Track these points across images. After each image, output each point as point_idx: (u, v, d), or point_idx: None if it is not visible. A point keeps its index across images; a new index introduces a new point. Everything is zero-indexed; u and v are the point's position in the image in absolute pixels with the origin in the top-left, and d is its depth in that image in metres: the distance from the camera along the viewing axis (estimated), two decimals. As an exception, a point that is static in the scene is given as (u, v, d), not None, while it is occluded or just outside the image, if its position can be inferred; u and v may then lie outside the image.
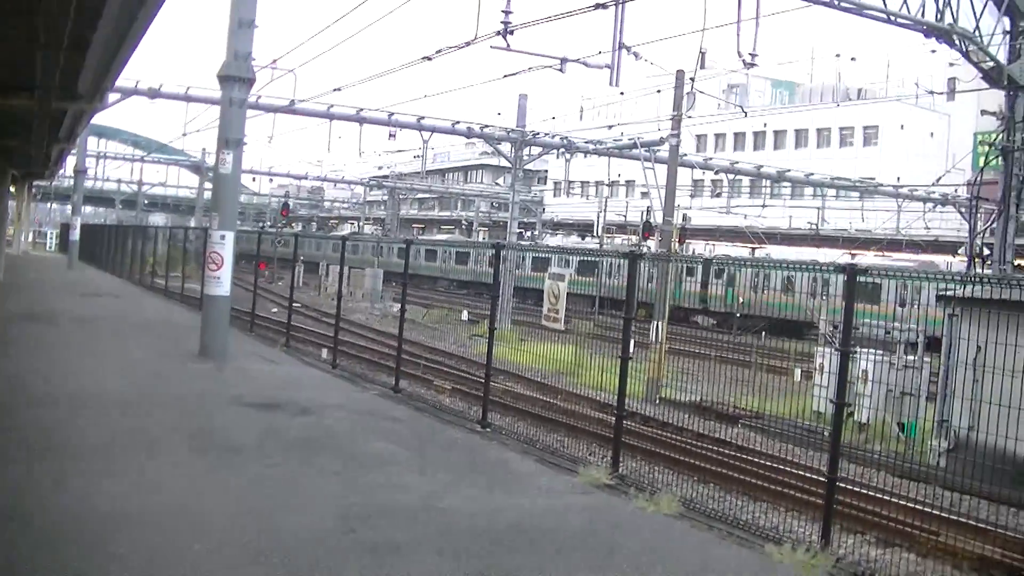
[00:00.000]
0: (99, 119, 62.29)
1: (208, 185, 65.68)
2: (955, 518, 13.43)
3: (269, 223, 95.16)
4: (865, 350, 21.49)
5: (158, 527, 8.96)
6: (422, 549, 9.03)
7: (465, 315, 47.91)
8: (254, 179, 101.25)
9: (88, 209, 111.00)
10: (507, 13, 28.39)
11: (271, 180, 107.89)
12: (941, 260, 51.16)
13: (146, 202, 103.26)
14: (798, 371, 24.32)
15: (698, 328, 42.41)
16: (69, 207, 69.42)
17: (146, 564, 7.98)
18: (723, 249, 64.71)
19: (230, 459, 12.04)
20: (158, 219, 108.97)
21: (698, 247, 63.14)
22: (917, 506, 14.31)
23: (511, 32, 28.58)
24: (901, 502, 14.38)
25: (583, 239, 74.85)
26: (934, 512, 13.96)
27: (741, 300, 50.83)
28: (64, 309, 29.43)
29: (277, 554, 8.51)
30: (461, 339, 37.06)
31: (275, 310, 38.00)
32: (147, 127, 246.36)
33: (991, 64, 24.58)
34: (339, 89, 43.51)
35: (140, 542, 8.47)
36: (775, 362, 24.58)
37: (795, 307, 43.48)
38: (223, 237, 21.18)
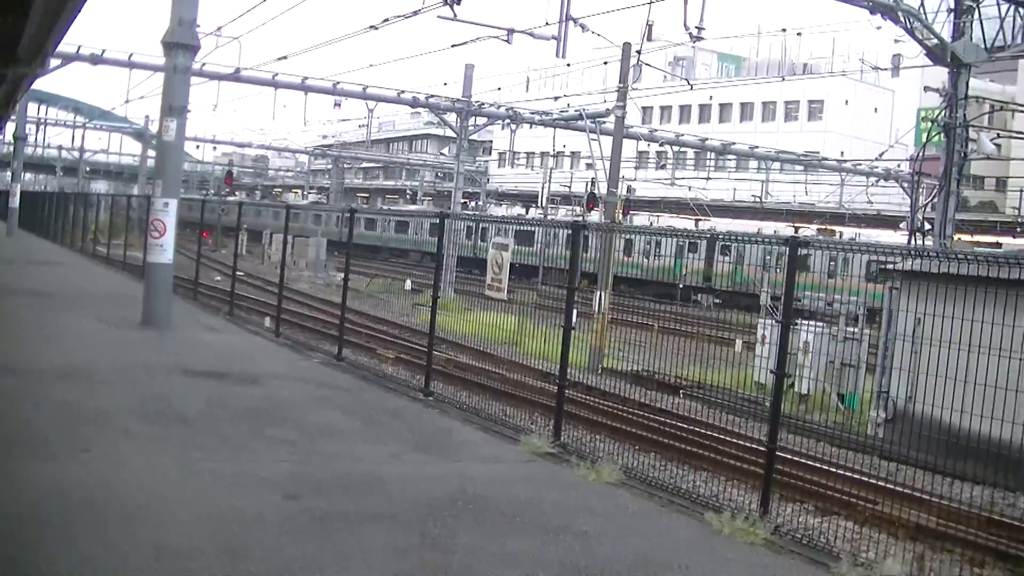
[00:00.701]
0: (40, 84, 61.53)
1: (151, 153, 65.06)
2: (893, 487, 13.58)
3: (213, 191, 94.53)
4: (807, 322, 21.65)
5: (102, 501, 8.85)
6: (367, 518, 9.01)
7: (408, 284, 47.84)
8: (198, 147, 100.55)
9: (28, 176, 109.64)
10: (454, -18, 28.28)
11: (215, 148, 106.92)
12: (881, 233, 51.63)
13: (88, 169, 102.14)
14: (739, 342, 24.46)
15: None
16: (8, 174, 68.66)
17: (90, 541, 7.89)
18: (667, 221, 64.94)
19: (177, 429, 11.93)
20: (100, 186, 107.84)
21: (642, 219, 63.30)
22: (855, 476, 14.48)
23: (458, 2, 28.48)
24: (840, 472, 14.53)
25: (527, 210, 74.80)
26: (872, 481, 14.13)
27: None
28: (1, 279, 29.03)
29: (220, 523, 8.49)
30: (405, 308, 37.01)
31: (219, 279, 37.76)
32: (90, 93, 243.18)
33: (935, 42, 24.73)
34: (284, 58, 43.44)
35: (84, 518, 8.36)
36: (719, 333, 24.71)
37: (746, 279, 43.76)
38: (166, 204, 21.00)
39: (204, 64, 40.23)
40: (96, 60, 43.25)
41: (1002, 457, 11.71)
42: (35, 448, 10.52)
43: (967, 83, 25.43)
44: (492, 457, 12.30)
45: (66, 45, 39.30)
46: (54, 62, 35.78)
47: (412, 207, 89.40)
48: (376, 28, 32.76)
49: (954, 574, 10.23)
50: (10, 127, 59.45)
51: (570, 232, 14.38)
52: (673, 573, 8.49)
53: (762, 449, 11.06)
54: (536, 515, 9.64)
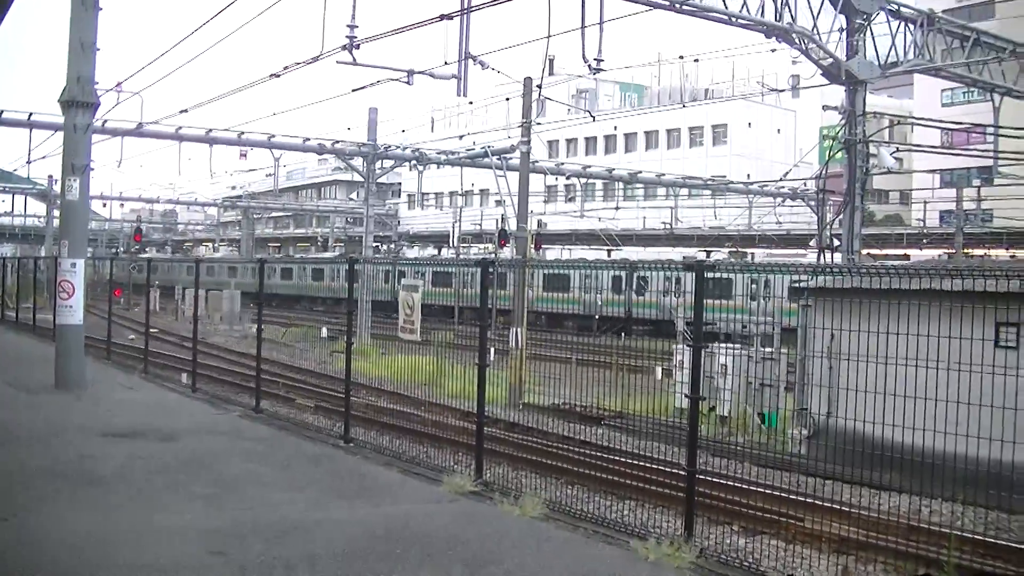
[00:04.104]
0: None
1: (57, 213, 64.27)
2: (818, 502, 13.66)
3: (122, 249, 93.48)
4: (723, 345, 21.76)
5: (21, 564, 8.70)
6: (292, 566, 8.94)
7: (324, 332, 47.59)
8: (104, 204, 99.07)
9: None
10: (352, 28, 28.21)
11: (122, 205, 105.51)
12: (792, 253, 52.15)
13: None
14: (659, 369, 24.53)
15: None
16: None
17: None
18: (580, 253, 65.19)
19: (91, 491, 11.78)
20: (6, 249, 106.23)
21: (554, 252, 63.50)
22: (780, 493, 14.55)
23: (357, 47, 28.38)
24: (764, 491, 14.60)
25: (439, 251, 74.72)
26: (797, 498, 14.21)
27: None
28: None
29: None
30: (321, 356, 36.81)
31: (132, 337, 37.29)
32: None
33: (830, 61, 25.10)
34: (186, 111, 43.04)
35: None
36: (637, 361, 24.77)
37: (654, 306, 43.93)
38: (73, 265, 20.77)
39: (106, 121, 39.80)
40: (-7, 121, 42.73)
41: (921, 465, 11.82)
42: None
43: (864, 100, 25.85)
44: (414, 499, 12.26)
45: (-40, 108, 38.90)
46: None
47: (324, 255, 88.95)
48: (278, 76, 32.54)
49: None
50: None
51: (479, 270, 14.38)
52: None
53: (682, 473, 11.08)
54: (460, 552, 9.62)
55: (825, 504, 13.48)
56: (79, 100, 20.85)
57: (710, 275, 10.96)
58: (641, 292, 48.79)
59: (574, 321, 52.39)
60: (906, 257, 47.45)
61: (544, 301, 49.43)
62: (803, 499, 14.16)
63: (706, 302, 10.79)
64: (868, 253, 38.39)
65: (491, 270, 15.06)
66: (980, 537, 12.67)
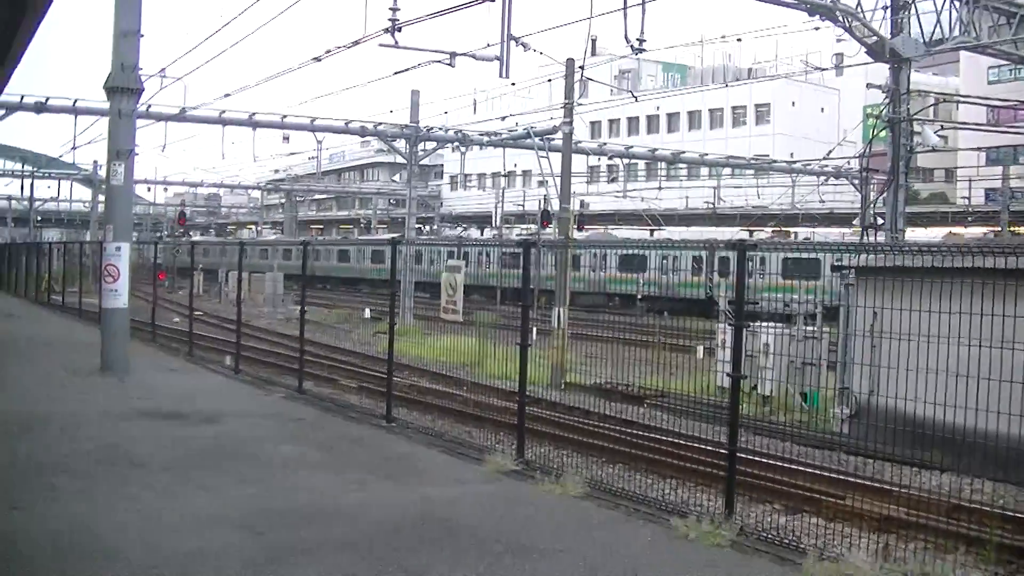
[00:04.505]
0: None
1: (102, 198, 64.75)
2: (859, 481, 13.64)
3: (166, 232, 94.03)
4: (766, 323, 21.72)
5: (67, 550, 8.80)
6: (332, 548, 9.01)
7: (367, 313, 47.67)
8: (149, 189, 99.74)
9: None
10: (394, 11, 28.32)
11: (166, 189, 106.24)
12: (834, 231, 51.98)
13: (39, 218, 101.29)
14: (701, 348, 24.50)
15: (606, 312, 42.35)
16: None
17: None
18: (623, 233, 65.04)
19: (137, 473, 11.88)
20: (52, 235, 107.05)
21: (597, 232, 63.42)
22: (822, 472, 14.54)
23: (399, 29, 28.53)
24: (805, 469, 14.58)
25: (482, 231, 74.76)
26: (838, 477, 14.19)
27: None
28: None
29: (185, 564, 8.45)
30: (365, 337, 36.90)
31: (177, 320, 37.55)
32: (36, 141, 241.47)
33: (875, 39, 24.97)
34: (229, 95, 43.40)
35: (48, 570, 8.31)
36: (680, 341, 24.73)
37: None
38: (119, 249, 20.93)
39: (150, 106, 40.10)
40: (40, 108, 43.03)
41: (963, 443, 11.78)
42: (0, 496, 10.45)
43: (908, 78, 25.69)
44: (456, 479, 12.30)
45: (8, 95, 39.15)
46: (-2, 112, 35.67)
47: (366, 237, 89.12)
48: (319, 60, 32.79)
49: (920, 560, 10.25)
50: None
51: (522, 251, 14.41)
52: (639, 574, 8.52)
53: (724, 452, 11.09)
54: (501, 532, 9.67)
55: (866, 483, 13.47)
56: (123, 86, 21.01)
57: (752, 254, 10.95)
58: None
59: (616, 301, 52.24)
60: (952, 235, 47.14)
61: (584, 281, 49.25)
62: (844, 478, 14.14)
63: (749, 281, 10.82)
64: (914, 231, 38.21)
65: (532, 251, 15.05)
66: (1017, 515, 12.63)
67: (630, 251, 48.62)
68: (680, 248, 41.12)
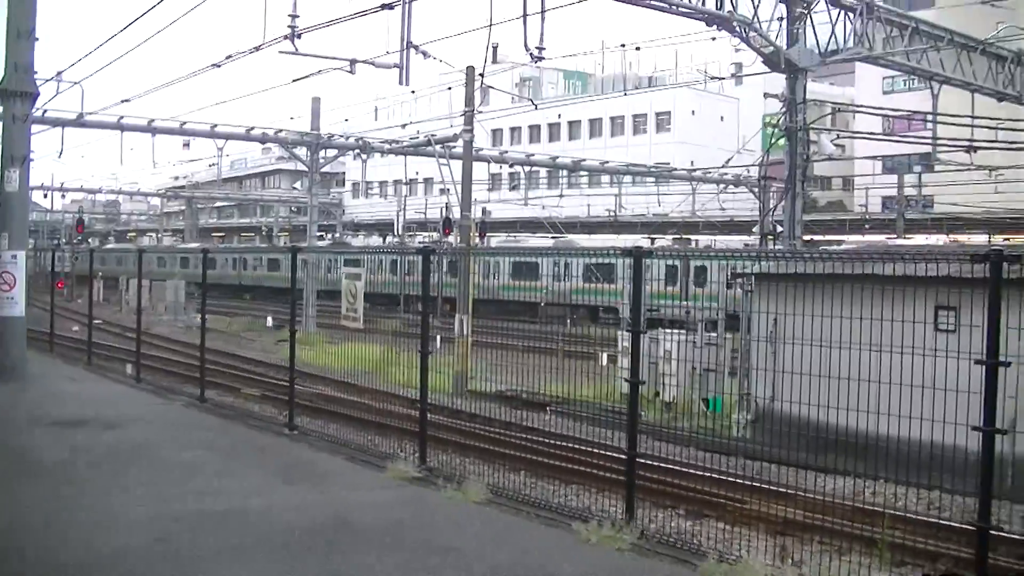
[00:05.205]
0: None
1: (-4, 205, 63.52)
2: (760, 486, 13.79)
3: (64, 240, 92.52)
4: (667, 331, 21.88)
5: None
6: (236, 554, 8.94)
7: (270, 321, 47.42)
8: (46, 195, 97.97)
9: None
10: (294, 17, 28.17)
11: (64, 196, 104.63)
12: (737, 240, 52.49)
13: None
14: (604, 355, 24.61)
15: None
16: None
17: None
18: (524, 241, 65.23)
19: (34, 481, 11.73)
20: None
21: (498, 240, 63.52)
22: (723, 477, 14.67)
23: (299, 36, 28.38)
24: (707, 474, 14.71)
25: (384, 239, 74.59)
26: (740, 481, 14.33)
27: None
28: None
29: (86, 571, 8.33)
30: (267, 346, 36.70)
31: (76, 328, 37.00)
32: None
33: (771, 49, 25.32)
34: (128, 100, 42.69)
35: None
36: (583, 348, 24.83)
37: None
38: (14, 257, 20.69)
39: (45, 111, 39.46)
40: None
41: (863, 447, 11.95)
42: None
43: (804, 87, 26.09)
44: (358, 485, 12.31)
45: None
46: None
47: (266, 245, 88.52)
48: (219, 66, 32.50)
49: (817, 562, 10.41)
50: None
51: (420, 258, 14.48)
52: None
53: (623, 456, 11.18)
54: (402, 536, 9.69)
55: (766, 487, 13.62)
56: (18, 90, 20.71)
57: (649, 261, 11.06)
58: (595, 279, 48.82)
59: (518, 309, 52.38)
60: (838, 243, 47.80)
61: (490, 289, 49.37)
62: (745, 482, 14.29)
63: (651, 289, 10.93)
64: (811, 239, 38.70)
65: (432, 258, 15.11)
66: (912, 516, 12.86)
67: (528, 259, 48.85)
68: (591, 256, 41.17)
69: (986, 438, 8.13)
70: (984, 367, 8.14)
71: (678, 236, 56.64)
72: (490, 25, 26.20)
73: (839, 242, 47.22)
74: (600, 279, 46.83)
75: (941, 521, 12.55)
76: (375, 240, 78.63)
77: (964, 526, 11.13)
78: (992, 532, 8.77)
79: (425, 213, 71.63)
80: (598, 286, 46.95)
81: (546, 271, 50.47)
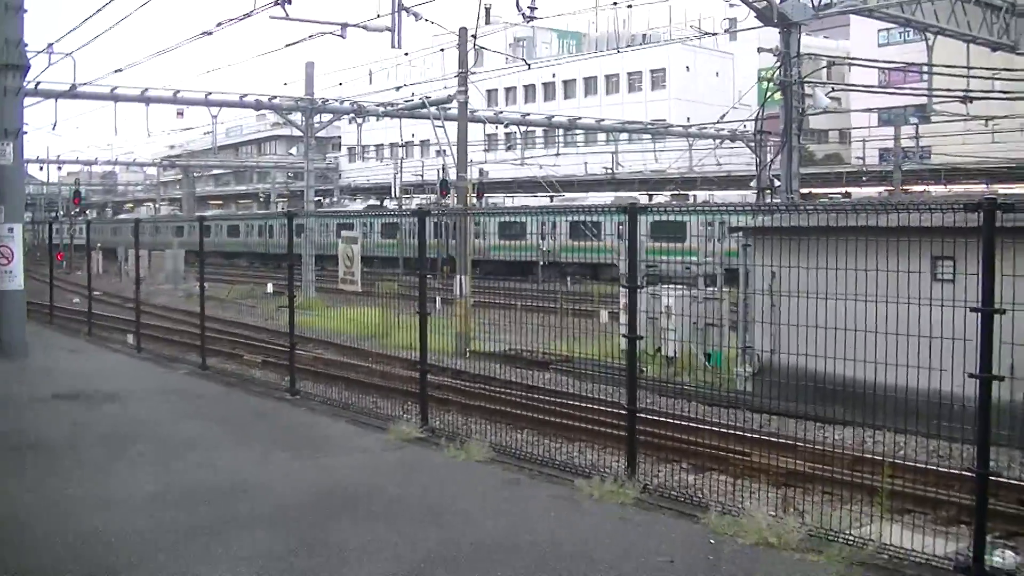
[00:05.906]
0: None
1: (-8, 178, 63.37)
2: (762, 437, 13.87)
3: (61, 212, 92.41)
4: (667, 286, 21.92)
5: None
6: (240, 526, 9.00)
7: (270, 288, 47.41)
8: (41, 168, 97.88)
9: None
10: (283, -19, 28.06)
11: (60, 168, 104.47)
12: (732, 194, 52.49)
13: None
14: (604, 313, 24.65)
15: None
16: None
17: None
18: (522, 200, 65.19)
19: (37, 456, 11.78)
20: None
21: (496, 200, 63.46)
22: (725, 430, 14.75)
23: (289, 1, 28.28)
24: (710, 428, 14.78)
25: (381, 202, 74.48)
26: (742, 435, 14.42)
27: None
28: None
29: (89, 547, 8.39)
30: (268, 312, 36.74)
31: (76, 300, 37.08)
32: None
33: (764, 3, 25.21)
34: (120, 70, 42.46)
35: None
36: (583, 306, 24.88)
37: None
38: (11, 230, 20.77)
39: (38, 83, 39.28)
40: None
41: (865, 397, 12.02)
42: None
43: (799, 41, 26.00)
44: (360, 447, 12.39)
45: None
46: None
47: (264, 211, 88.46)
48: (210, 34, 32.36)
49: (819, 512, 10.49)
50: None
51: (417, 220, 14.52)
52: (541, 534, 8.65)
53: (624, 412, 11.26)
54: (404, 496, 9.80)
55: (769, 439, 13.70)
56: (9, 63, 20.75)
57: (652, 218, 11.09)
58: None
59: (519, 268, 52.34)
60: (847, 195, 47.81)
61: (491, 249, 49.30)
62: (747, 435, 14.37)
63: (652, 245, 10.97)
64: (810, 192, 38.70)
65: (428, 219, 15.15)
66: (912, 464, 12.93)
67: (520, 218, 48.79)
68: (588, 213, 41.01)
69: (983, 385, 8.19)
70: (979, 315, 8.18)
71: (676, 192, 56.61)
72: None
73: (848, 194, 47.20)
74: (596, 236, 46.76)
75: (940, 469, 12.62)
76: (372, 203, 78.55)
77: (963, 472, 11.20)
78: (991, 478, 8.83)
79: (422, 175, 71.56)
80: (596, 244, 46.90)
81: (533, 230, 50.45)
